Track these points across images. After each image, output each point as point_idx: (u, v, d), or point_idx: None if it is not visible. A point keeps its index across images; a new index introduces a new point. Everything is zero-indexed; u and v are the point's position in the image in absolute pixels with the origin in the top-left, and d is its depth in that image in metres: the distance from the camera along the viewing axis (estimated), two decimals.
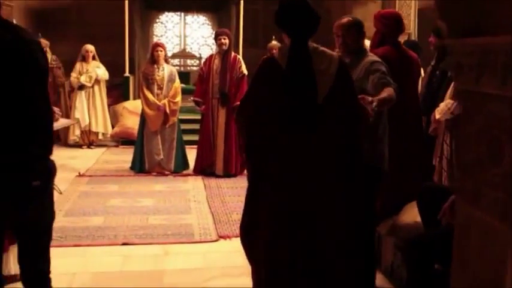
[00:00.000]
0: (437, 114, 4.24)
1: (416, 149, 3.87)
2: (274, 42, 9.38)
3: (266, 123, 2.62)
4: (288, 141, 2.57)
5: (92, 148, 8.40)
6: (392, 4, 7.90)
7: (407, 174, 3.79)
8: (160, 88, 6.63)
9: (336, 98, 2.59)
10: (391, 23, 3.66)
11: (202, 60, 12.09)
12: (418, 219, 3.15)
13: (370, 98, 2.74)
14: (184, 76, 9.93)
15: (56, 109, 3.14)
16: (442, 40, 4.35)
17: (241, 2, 9.58)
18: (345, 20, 3.22)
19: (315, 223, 2.59)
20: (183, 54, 12.27)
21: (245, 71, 6.66)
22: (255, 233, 2.70)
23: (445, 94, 4.54)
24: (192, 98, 9.14)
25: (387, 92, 2.88)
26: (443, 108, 4.16)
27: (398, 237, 3.26)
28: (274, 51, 9.19)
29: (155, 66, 6.62)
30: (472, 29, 1.58)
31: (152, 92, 6.60)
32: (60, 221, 4.61)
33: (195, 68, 12.17)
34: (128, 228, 4.52)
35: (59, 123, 3.18)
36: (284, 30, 2.67)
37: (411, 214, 3.28)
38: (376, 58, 3.11)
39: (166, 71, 6.66)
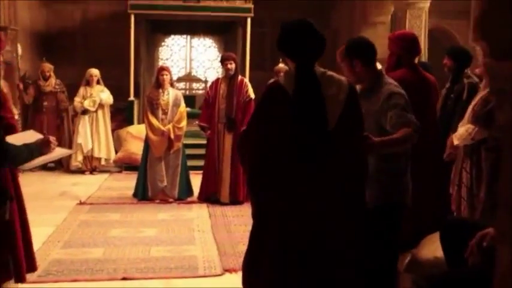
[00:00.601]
0: (456, 140, 4.02)
1: (435, 176, 3.65)
2: (281, 65, 9.24)
3: (272, 153, 2.44)
4: (296, 171, 2.40)
5: (94, 174, 8.21)
6: (403, 25, 7.74)
7: (425, 204, 3.57)
8: (165, 113, 6.45)
9: (344, 126, 2.43)
10: (407, 45, 3.48)
11: (208, 84, 12.08)
12: (439, 254, 2.91)
13: (371, 141, 2.55)
14: (189, 100, 9.78)
15: (51, 138, 2.96)
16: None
17: (248, 24, 9.46)
18: (339, 49, 3.00)
19: (325, 263, 2.43)
20: (189, 78, 12.15)
21: (252, 95, 6.48)
22: (258, 273, 2.51)
23: (460, 117, 4.34)
24: (197, 123, 9.15)
25: (402, 133, 2.67)
26: (463, 133, 3.94)
27: (417, 273, 3.01)
28: (281, 74, 9.06)
29: (160, 90, 6.46)
30: None
31: (157, 117, 6.42)
32: (57, 253, 4.42)
33: (200, 92, 12.03)
34: (129, 261, 4.28)
35: (55, 153, 3.00)
36: (288, 55, 2.52)
37: (431, 249, 3.04)
38: (395, 88, 2.83)
39: (171, 95, 6.49)
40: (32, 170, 7.81)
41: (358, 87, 2.94)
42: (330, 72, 2.53)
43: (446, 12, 10.09)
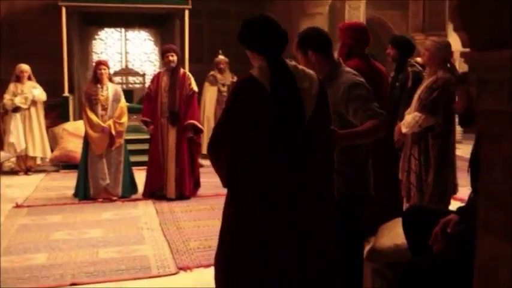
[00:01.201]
0: (404, 128, 4.10)
1: (386, 164, 3.70)
2: (221, 57, 9.16)
3: (250, 150, 2.38)
4: (275, 167, 2.36)
5: (29, 174, 7.79)
6: (342, 16, 7.82)
7: (379, 192, 3.60)
8: (104, 109, 6.20)
9: (317, 120, 2.42)
10: (358, 35, 3.48)
11: (147, 77, 11.76)
12: (398, 241, 2.96)
13: (338, 134, 2.54)
14: (127, 94, 9.46)
15: None
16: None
17: (186, 16, 9.27)
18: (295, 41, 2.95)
19: (300, 256, 2.40)
20: (126, 72, 11.77)
21: (195, 88, 6.35)
22: (233, 271, 2.45)
23: (405, 105, 4.43)
24: (136, 117, 8.89)
25: (369, 125, 2.63)
26: (411, 121, 4.02)
27: (378, 262, 3.03)
28: (221, 66, 9.03)
29: (98, 85, 6.19)
30: (495, 42, 1.36)
31: (96, 113, 6.16)
32: None
33: (138, 86, 11.71)
34: (76, 265, 4.07)
35: None
36: (256, 50, 2.48)
37: (390, 236, 3.07)
38: (355, 78, 2.76)
39: (110, 90, 6.24)
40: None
41: None
42: (300, 66, 2.52)
43: (381, 3, 10.32)
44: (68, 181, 7.09)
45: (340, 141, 2.56)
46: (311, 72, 2.51)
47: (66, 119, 8.94)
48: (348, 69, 2.83)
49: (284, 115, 2.32)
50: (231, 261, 2.44)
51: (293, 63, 2.48)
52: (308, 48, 2.81)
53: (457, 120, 4.45)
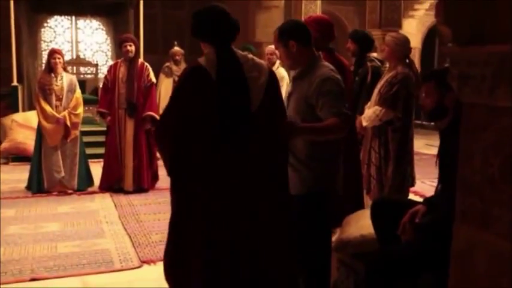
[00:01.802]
0: (364, 121, 4.19)
1: (349, 157, 3.77)
2: (176, 48, 9.04)
3: (195, 138, 2.39)
4: (219, 154, 2.38)
5: None
6: (298, 10, 7.89)
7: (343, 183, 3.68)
8: (59, 99, 6.03)
9: (265, 109, 2.45)
10: (323, 29, 3.52)
11: (100, 68, 11.50)
12: (364, 232, 3.03)
13: (294, 126, 2.58)
14: (79, 85, 9.24)
15: None
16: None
17: (141, 6, 9.10)
18: (275, 31, 2.94)
19: (252, 247, 2.44)
20: (77, 62, 11.45)
21: (154, 79, 6.28)
22: (184, 264, 2.45)
23: (365, 99, 4.54)
24: (87, 108, 8.67)
25: (328, 123, 2.64)
26: (371, 115, 4.12)
27: (344, 253, 3.10)
28: (177, 57, 8.92)
29: (52, 75, 6.01)
30: (477, 37, 1.43)
31: (50, 104, 5.98)
32: None
33: (89, 76, 11.42)
34: (35, 260, 3.96)
35: None
36: (205, 40, 2.50)
37: (356, 227, 3.14)
38: (329, 73, 2.75)
39: (65, 80, 6.07)
40: None
41: (293, 72, 2.94)
42: (250, 56, 2.54)
43: None
44: (18, 174, 6.87)
45: (295, 133, 2.59)
46: (262, 62, 2.54)
47: (16, 110, 8.63)
48: (326, 63, 2.83)
49: (229, 103, 2.35)
50: (178, 254, 2.45)
51: (242, 52, 2.49)
52: (289, 39, 2.79)
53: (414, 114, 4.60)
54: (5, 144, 7.88)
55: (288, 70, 6.02)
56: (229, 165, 2.39)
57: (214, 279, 2.42)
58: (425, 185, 6.04)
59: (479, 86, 1.41)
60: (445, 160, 2.44)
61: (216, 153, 2.38)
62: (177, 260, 2.50)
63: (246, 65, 2.45)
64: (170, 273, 2.54)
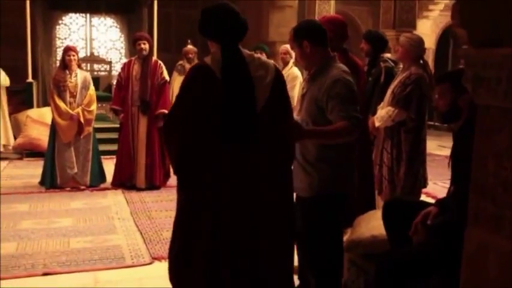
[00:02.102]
0: (377, 122, 4.18)
1: (362, 158, 3.76)
2: (189, 47, 9.06)
3: (200, 135, 2.40)
4: (223, 153, 2.38)
5: None
6: (312, 10, 7.88)
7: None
8: (73, 96, 6.08)
9: (271, 109, 2.44)
10: (337, 29, 3.51)
11: (114, 65, 11.56)
12: (376, 233, 3.02)
13: (301, 129, 2.58)
14: (93, 82, 9.31)
15: None
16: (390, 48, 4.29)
17: (155, 4, 9.14)
18: (291, 29, 2.93)
19: (254, 247, 2.45)
20: (91, 59, 11.53)
21: (167, 77, 6.31)
22: (187, 263, 2.47)
23: (378, 100, 4.53)
24: (99, 105, 8.73)
25: (337, 126, 2.61)
26: (384, 115, 4.11)
27: (355, 253, 3.10)
28: (190, 55, 8.94)
29: (67, 72, 6.07)
30: (493, 39, 1.42)
31: (64, 100, 6.04)
32: None
33: (103, 74, 11.49)
34: (47, 255, 4.00)
35: None
36: (212, 38, 2.49)
37: (367, 228, 3.14)
38: (341, 75, 2.71)
39: (79, 77, 6.12)
40: None
41: (306, 73, 2.94)
42: (257, 55, 2.56)
43: None
44: (32, 169, 6.94)
45: (302, 136, 2.59)
46: (268, 61, 2.54)
47: (30, 106, 8.72)
48: (339, 65, 2.81)
49: (234, 103, 2.34)
50: (181, 253, 2.45)
51: (248, 52, 2.49)
52: (303, 39, 2.78)
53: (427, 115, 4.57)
54: (19, 140, 7.96)
55: (302, 70, 6.03)
56: (233, 164, 2.39)
57: (216, 279, 2.42)
58: (437, 186, 6.01)
59: (495, 88, 1.41)
60: (458, 162, 2.43)
61: (220, 152, 2.39)
62: (180, 258, 2.50)
63: (252, 64, 2.45)
64: (173, 272, 2.56)
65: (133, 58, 6.40)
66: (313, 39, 2.77)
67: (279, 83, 2.51)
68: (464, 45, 1.49)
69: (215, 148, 2.38)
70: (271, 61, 2.61)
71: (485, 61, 1.44)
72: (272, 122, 2.44)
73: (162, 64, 6.30)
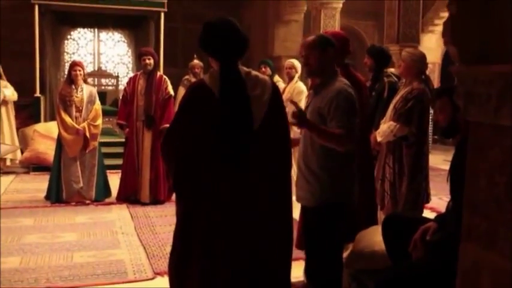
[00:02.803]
0: (379, 136, 4.19)
1: (364, 173, 3.76)
2: (196, 61, 9.11)
3: (196, 152, 2.42)
4: (220, 171, 2.40)
5: None
6: (317, 24, 7.93)
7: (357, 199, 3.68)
8: (79, 110, 6.13)
9: (268, 126, 2.46)
10: (339, 44, 3.52)
11: (121, 80, 11.66)
12: (376, 248, 3.02)
13: (306, 117, 2.74)
14: (100, 96, 9.39)
15: None
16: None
17: (162, 19, 9.23)
18: (310, 38, 3.02)
19: (253, 262, 2.46)
20: (98, 73, 11.64)
21: (172, 92, 6.34)
22: (186, 273, 2.48)
23: (381, 115, 4.53)
24: (109, 120, 8.80)
25: (333, 131, 2.76)
26: (386, 130, 4.11)
27: (356, 268, 3.09)
28: (196, 70, 8.98)
29: (73, 86, 6.12)
30: (483, 56, 1.43)
31: (70, 115, 6.09)
32: None
33: (110, 88, 11.59)
34: (51, 269, 4.01)
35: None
36: (212, 54, 2.49)
37: (368, 243, 3.13)
38: (343, 87, 2.84)
39: (85, 91, 6.18)
40: None
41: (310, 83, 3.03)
42: (254, 72, 2.55)
43: (354, 12, 10.50)
44: (38, 183, 6.99)
45: (304, 123, 2.75)
46: (265, 78, 2.57)
47: (37, 120, 8.80)
48: (342, 79, 2.94)
49: (231, 122, 2.36)
50: (181, 265, 2.47)
51: (246, 69, 2.50)
52: (330, 46, 2.93)
53: (430, 130, 4.57)
54: (26, 154, 8.02)
55: (305, 82, 6.06)
56: (230, 182, 2.41)
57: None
58: (442, 201, 5.97)
59: (485, 105, 1.42)
60: (456, 177, 2.43)
61: (217, 170, 2.40)
62: (178, 269, 2.53)
63: (249, 82, 2.46)
64: (174, 284, 2.58)
65: (138, 73, 6.46)
66: (336, 48, 2.93)
67: (277, 100, 2.52)
68: (456, 62, 1.50)
69: (211, 166, 2.41)
70: (268, 78, 2.63)
71: (476, 78, 1.45)
72: (269, 138, 2.46)
73: (166, 79, 6.34)
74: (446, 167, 2.79)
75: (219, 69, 2.44)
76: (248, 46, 2.50)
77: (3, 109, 7.77)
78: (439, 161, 8.81)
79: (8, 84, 7.86)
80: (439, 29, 10.87)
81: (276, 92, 2.53)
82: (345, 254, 3.22)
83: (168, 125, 6.04)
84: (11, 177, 7.59)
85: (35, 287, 3.71)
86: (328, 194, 2.85)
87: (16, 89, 8.01)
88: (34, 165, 7.93)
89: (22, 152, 8.09)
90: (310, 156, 2.89)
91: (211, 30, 2.47)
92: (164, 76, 6.42)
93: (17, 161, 8.02)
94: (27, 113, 8.99)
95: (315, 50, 2.90)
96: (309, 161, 2.89)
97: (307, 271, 3.12)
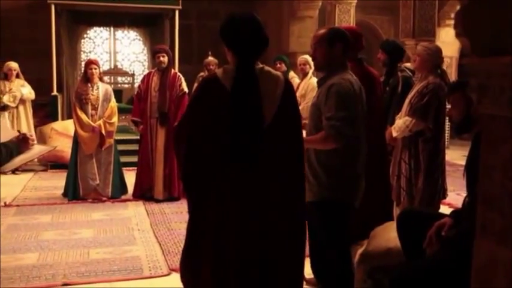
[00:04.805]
0: (395, 132, 4.15)
1: (379, 168, 3.74)
2: (210, 58, 9.12)
3: (206, 148, 2.41)
4: (230, 167, 2.38)
5: (17, 174, 7.71)
6: (332, 20, 7.88)
7: (371, 196, 3.65)
8: (95, 108, 6.18)
9: (280, 121, 2.44)
10: (353, 39, 3.50)
11: (136, 77, 11.71)
12: (391, 245, 3.00)
13: None
14: (116, 94, 9.44)
15: (29, 135, 2.75)
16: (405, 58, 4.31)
17: (176, 17, 9.25)
18: (321, 31, 2.99)
19: (263, 259, 2.44)
20: (114, 71, 11.71)
21: (186, 89, 6.35)
22: (197, 272, 2.48)
23: (395, 110, 4.49)
24: (126, 117, 8.85)
25: (319, 135, 2.79)
26: (401, 125, 4.07)
27: (371, 265, 3.07)
28: (211, 67, 8.99)
29: (89, 85, 6.17)
30: (496, 49, 1.41)
31: (86, 113, 6.14)
32: None
33: (126, 86, 11.66)
34: (68, 266, 4.06)
35: (35, 150, 2.79)
36: (231, 48, 2.46)
37: (383, 240, 3.11)
38: (336, 81, 2.81)
39: (101, 89, 6.22)
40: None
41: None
42: (267, 68, 2.52)
43: (370, 7, 10.41)
44: (56, 181, 7.06)
45: None
46: (278, 73, 2.54)
47: (55, 118, 8.88)
48: (346, 73, 2.88)
49: (241, 118, 2.35)
50: (192, 263, 2.47)
51: (260, 65, 2.48)
52: (338, 42, 2.90)
53: (447, 125, 4.52)
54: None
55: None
56: (240, 179, 2.39)
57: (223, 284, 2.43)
58: (460, 197, 5.86)
59: (499, 98, 1.39)
60: (472, 172, 2.39)
61: (226, 166, 2.39)
62: (190, 267, 2.52)
63: (261, 77, 2.43)
64: (185, 281, 2.59)
65: (153, 70, 6.48)
66: (346, 46, 2.87)
67: (289, 95, 2.49)
68: (467, 54, 1.47)
69: (221, 161, 2.39)
70: (280, 73, 2.60)
71: (489, 70, 1.43)
72: (281, 134, 2.44)
73: (181, 76, 6.36)
74: (464, 162, 2.75)
75: (235, 65, 2.42)
76: (267, 45, 2.47)
77: (21, 108, 7.86)
78: (457, 156, 8.71)
79: (26, 83, 7.95)
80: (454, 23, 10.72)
81: (288, 88, 2.50)
82: (360, 251, 3.20)
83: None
84: (29, 174, 7.69)
85: (52, 283, 3.75)
86: (326, 192, 2.84)
87: (34, 88, 8.09)
88: (52, 163, 8.01)
89: None
90: (311, 152, 2.88)
91: (235, 24, 2.44)
92: (178, 73, 6.43)
93: (35, 159, 8.10)
94: (44, 112, 9.09)
95: (322, 44, 2.88)
96: (310, 159, 2.88)
97: (312, 268, 3.10)
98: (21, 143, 2.69)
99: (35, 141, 2.75)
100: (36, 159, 8.02)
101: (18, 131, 3.19)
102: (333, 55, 2.87)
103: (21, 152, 2.67)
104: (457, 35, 1.50)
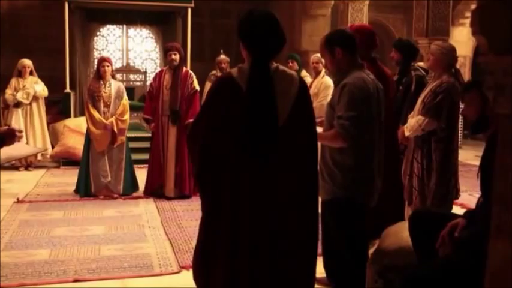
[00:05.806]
0: (407, 131, 4.12)
1: (391, 167, 3.71)
2: (222, 56, 9.13)
3: (221, 146, 2.40)
4: (245, 166, 2.37)
5: (30, 170, 7.79)
6: (344, 19, 7.84)
7: (383, 195, 3.62)
8: (107, 106, 6.20)
9: (295, 121, 2.43)
10: (365, 38, 3.50)
11: (148, 75, 11.75)
12: (403, 244, 2.97)
13: None
14: (128, 92, 9.47)
15: (17, 130, 2.73)
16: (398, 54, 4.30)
17: (189, 15, 9.26)
18: (322, 38, 2.99)
19: (277, 256, 2.42)
20: (127, 69, 11.75)
21: (197, 87, 6.35)
22: (210, 271, 2.47)
23: (409, 109, 4.46)
24: (135, 115, 8.88)
25: (329, 132, 2.84)
26: (414, 124, 4.04)
27: (382, 265, 3.04)
28: (223, 65, 9.00)
29: (101, 82, 6.20)
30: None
31: (98, 110, 6.16)
32: None
33: (138, 83, 11.69)
34: (79, 262, 4.08)
35: (25, 150, 2.77)
36: (248, 46, 2.43)
37: (395, 240, 3.08)
38: (350, 80, 2.82)
39: (113, 87, 6.24)
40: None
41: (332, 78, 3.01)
42: (282, 67, 2.50)
43: (383, 6, 10.35)
44: (68, 177, 7.10)
45: None
46: (293, 73, 2.52)
47: (67, 115, 8.94)
48: (361, 73, 2.88)
49: (256, 118, 2.34)
50: (205, 261, 2.46)
51: (274, 64, 2.46)
52: (335, 46, 2.89)
53: (460, 125, 4.47)
54: (56, 149, 8.16)
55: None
56: (255, 178, 2.38)
57: (236, 283, 2.42)
58: (472, 197, 5.84)
59: None
60: (486, 172, 2.36)
61: (241, 165, 2.38)
62: (205, 265, 2.51)
63: (276, 77, 2.41)
64: (199, 279, 2.57)
65: (164, 68, 6.49)
66: (345, 47, 2.85)
67: (303, 94, 2.48)
68: (484, 52, 1.45)
69: (236, 161, 2.38)
70: (295, 73, 2.59)
71: (505, 68, 1.40)
72: (295, 133, 2.43)
73: (192, 74, 6.36)
74: (477, 162, 2.72)
75: (250, 64, 2.40)
76: (283, 47, 2.45)
77: (34, 105, 7.91)
78: (470, 156, 8.64)
79: (39, 80, 8.00)
80: (470, 21, 10.63)
81: (303, 87, 2.49)
82: (371, 251, 3.18)
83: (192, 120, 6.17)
84: (42, 171, 7.75)
85: (63, 279, 3.77)
86: (340, 190, 2.84)
87: (47, 85, 8.14)
88: (64, 160, 8.07)
89: (53, 147, 8.24)
90: (326, 151, 2.91)
91: (254, 22, 2.40)
92: (190, 71, 6.43)
93: (48, 156, 8.17)
94: (57, 109, 9.15)
95: (325, 52, 2.95)
96: (324, 157, 2.91)
97: (325, 267, 3.09)
98: (6, 136, 2.66)
99: (24, 138, 2.72)
100: (48, 156, 8.11)
101: (8, 125, 3.16)
102: (337, 60, 2.90)
103: (4, 144, 2.64)
104: (474, 33, 1.47)
